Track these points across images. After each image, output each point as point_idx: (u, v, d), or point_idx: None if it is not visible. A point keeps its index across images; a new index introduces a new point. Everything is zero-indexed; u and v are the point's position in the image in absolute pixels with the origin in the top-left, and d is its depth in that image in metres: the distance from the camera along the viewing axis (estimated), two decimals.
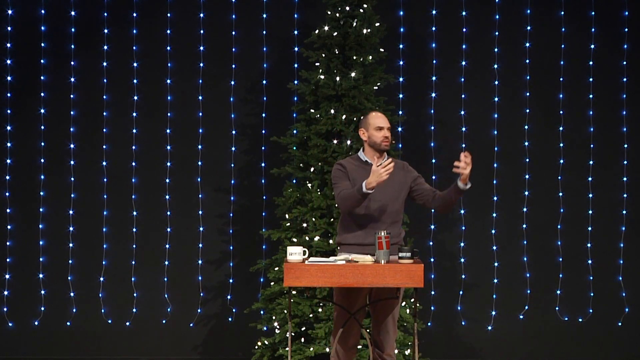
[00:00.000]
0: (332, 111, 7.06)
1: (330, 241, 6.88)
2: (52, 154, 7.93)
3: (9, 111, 7.93)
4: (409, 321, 6.94)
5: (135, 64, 7.95)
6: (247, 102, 8.00)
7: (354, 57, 7.12)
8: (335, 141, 7.04)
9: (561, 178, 7.95)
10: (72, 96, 7.94)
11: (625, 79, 7.96)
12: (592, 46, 7.96)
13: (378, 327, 5.46)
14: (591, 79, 7.96)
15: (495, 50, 7.96)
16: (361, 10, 7.12)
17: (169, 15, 7.95)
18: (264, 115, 7.95)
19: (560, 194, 7.93)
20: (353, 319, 5.36)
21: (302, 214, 7.02)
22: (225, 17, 7.95)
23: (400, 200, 5.45)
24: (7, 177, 7.91)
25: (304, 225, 7.05)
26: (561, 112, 7.97)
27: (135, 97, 7.95)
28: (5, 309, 7.88)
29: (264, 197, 7.89)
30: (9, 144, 7.92)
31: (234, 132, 7.96)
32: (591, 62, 7.96)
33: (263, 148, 7.92)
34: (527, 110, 7.96)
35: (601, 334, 7.89)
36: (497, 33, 7.96)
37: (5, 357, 7.80)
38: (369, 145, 5.48)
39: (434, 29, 7.96)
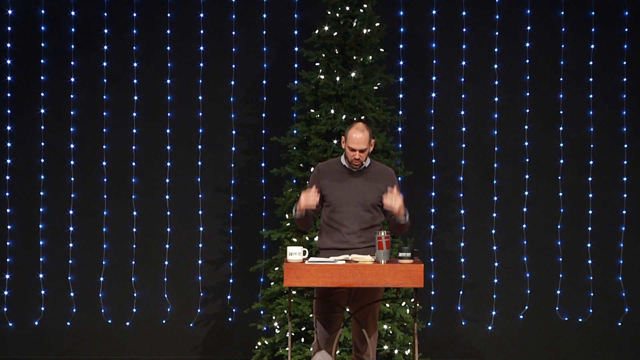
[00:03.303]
0: (332, 111, 7.06)
1: None
2: (52, 154, 7.93)
3: (9, 111, 7.93)
4: (409, 321, 6.94)
5: (135, 64, 7.95)
6: (247, 102, 8.00)
7: (354, 57, 7.12)
8: (335, 141, 7.04)
9: (561, 178, 7.95)
10: (72, 96, 7.94)
11: (625, 79, 7.96)
12: (592, 46, 7.96)
13: (357, 328, 5.43)
14: (591, 79, 7.96)
15: (495, 50, 7.96)
16: (361, 10, 7.11)
17: (169, 15, 7.95)
18: (264, 115, 7.95)
19: (560, 194, 7.93)
20: (333, 303, 5.34)
21: None
22: (225, 17, 7.95)
23: (373, 207, 5.41)
24: (7, 177, 7.91)
25: None
26: (561, 112, 7.97)
27: (135, 97, 7.95)
28: (5, 309, 7.88)
29: (264, 197, 7.89)
30: (9, 144, 7.92)
31: (234, 132, 7.96)
32: (591, 62, 7.96)
33: (263, 148, 7.92)
34: (527, 110, 7.95)
35: (601, 334, 7.89)
36: (497, 33, 7.96)
37: (5, 357, 7.80)
38: (345, 157, 5.48)
39: (434, 29, 7.96)
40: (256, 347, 7.22)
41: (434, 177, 7.92)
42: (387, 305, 6.90)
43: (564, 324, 7.90)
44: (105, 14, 7.93)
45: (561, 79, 7.97)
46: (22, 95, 7.95)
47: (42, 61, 7.93)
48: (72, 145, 7.92)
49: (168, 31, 7.95)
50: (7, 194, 7.91)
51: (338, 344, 5.76)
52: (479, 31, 7.96)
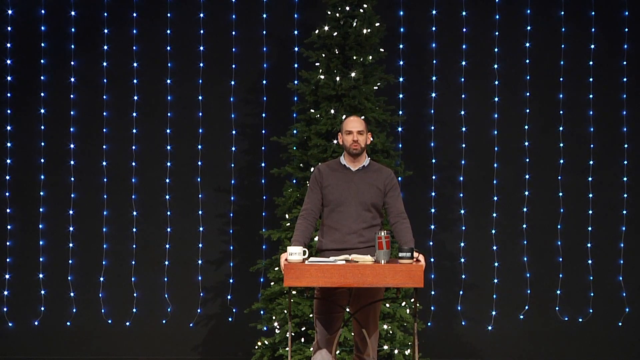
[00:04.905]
0: (332, 111, 7.06)
1: None
2: (52, 154, 7.93)
3: (9, 111, 7.93)
4: (409, 321, 6.94)
5: (135, 64, 7.95)
6: (247, 102, 8.00)
7: (354, 57, 7.12)
8: (335, 141, 7.04)
9: (561, 178, 7.95)
10: (72, 96, 7.94)
11: (625, 79, 7.96)
12: (592, 46, 7.96)
13: (358, 328, 5.43)
14: (591, 79, 7.96)
15: (495, 50, 7.96)
16: (361, 10, 7.11)
17: (169, 15, 7.95)
18: (264, 115, 7.95)
19: (560, 194, 7.93)
20: (334, 303, 5.34)
21: None
22: (225, 17, 7.96)
23: (373, 206, 5.42)
24: (7, 177, 7.91)
25: None
26: (561, 112, 7.97)
27: (135, 97, 7.95)
28: (5, 309, 7.88)
29: (264, 197, 7.89)
30: (9, 144, 7.92)
31: (234, 132, 7.96)
32: (591, 62, 7.96)
33: (263, 148, 7.92)
34: (527, 110, 7.96)
35: (601, 334, 7.89)
36: (497, 33, 7.96)
37: (5, 357, 7.80)
38: (345, 149, 5.50)
39: (434, 29, 7.96)
40: (256, 347, 7.22)
41: (434, 177, 7.92)
42: (387, 305, 6.90)
43: (564, 324, 7.90)
44: (105, 14, 7.93)
45: (561, 79, 7.97)
46: (22, 95, 7.95)
47: (42, 61, 7.93)
48: (72, 145, 7.93)
49: (168, 31, 7.95)
50: (7, 194, 7.91)
51: (338, 344, 5.76)
52: (479, 31, 7.97)
